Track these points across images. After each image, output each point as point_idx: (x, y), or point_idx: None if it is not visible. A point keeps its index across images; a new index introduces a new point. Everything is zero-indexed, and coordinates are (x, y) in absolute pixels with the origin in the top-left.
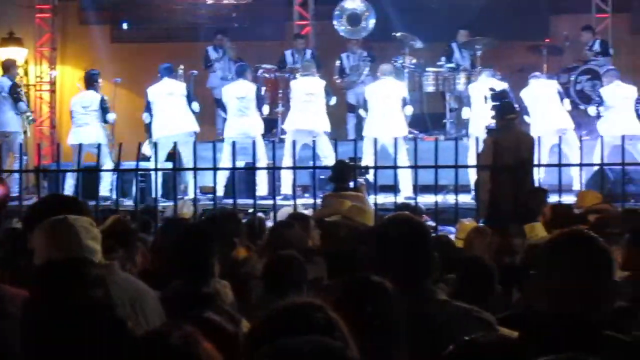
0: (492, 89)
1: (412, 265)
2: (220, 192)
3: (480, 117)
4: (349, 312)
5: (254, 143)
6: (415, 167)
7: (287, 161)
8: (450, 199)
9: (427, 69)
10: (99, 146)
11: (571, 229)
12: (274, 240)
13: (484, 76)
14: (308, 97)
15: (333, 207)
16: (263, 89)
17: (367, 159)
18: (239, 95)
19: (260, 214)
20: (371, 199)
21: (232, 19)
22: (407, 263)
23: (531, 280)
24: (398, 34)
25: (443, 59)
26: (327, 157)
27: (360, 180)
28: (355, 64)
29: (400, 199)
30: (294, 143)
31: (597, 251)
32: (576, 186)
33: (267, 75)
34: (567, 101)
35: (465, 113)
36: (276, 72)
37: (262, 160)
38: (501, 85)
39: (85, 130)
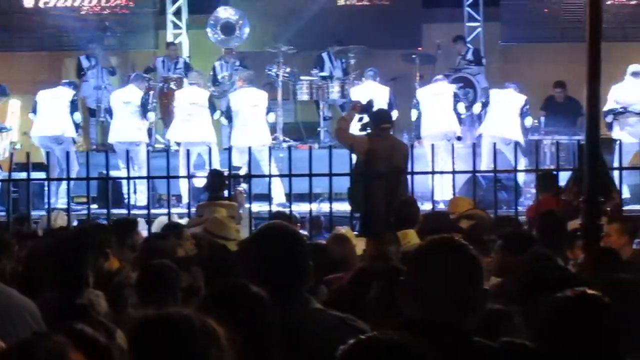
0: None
1: (286, 274)
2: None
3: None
4: (222, 320)
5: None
6: (289, 175)
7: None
8: (325, 207)
9: (301, 78)
10: None
11: (441, 236)
12: (147, 250)
13: (369, 81)
14: (192, 107)
15: (203, 218)
16: (151, 94)
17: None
18: (125, 100)
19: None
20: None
21: (105, 28)
22: (281, 271)
23: (402, 287)
24: (272, 44)
25: (317, 68)
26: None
27: (240, 188)
28: (228, 73)
29: (274, 207)
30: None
31: (466, 258)
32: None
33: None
34: (461, 105)
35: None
36: (149, 80)
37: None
38: (383, 90)
39: None
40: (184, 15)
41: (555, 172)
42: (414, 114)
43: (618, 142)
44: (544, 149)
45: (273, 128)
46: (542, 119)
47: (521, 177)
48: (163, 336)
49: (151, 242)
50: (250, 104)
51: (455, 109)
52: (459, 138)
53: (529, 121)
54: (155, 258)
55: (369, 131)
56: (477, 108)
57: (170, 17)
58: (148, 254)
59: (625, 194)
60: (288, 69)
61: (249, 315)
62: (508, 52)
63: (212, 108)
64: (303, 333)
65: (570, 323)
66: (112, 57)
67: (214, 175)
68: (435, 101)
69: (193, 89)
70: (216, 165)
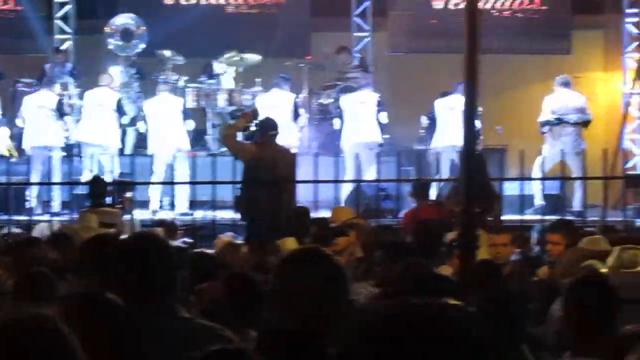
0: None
1: (151, 282)
2: None
3: None
4: (78, 326)
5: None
6: (171, 183)
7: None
8: (210, 214)
9: (189, 85)
10: None
11: (306, 246)
12: (22, 256)
13: (275, 90)
14: (99, 108)
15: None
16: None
17: (158, 175)
18: (39, 105)
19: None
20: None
21: None
22: (145, 280)
23: (270, 296)
24: (161, 51)
25: (204, 75)
26: (114, 171)
27: (128, 195)
28: (125, 80)
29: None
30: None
31: (328, 267)
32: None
33: (26, 90)
34: (383, 115)
35: None
36: (36, 86)
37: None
38: (289, 97)
39: None
40: (72, 19)
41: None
42: (336, 123)
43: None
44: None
45: None
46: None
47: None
48: (12, 339)
49: (25, 247)
50: (167, 109)
51: (377, 118)
52: (380, 145)
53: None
54: (30, 264)
55: (254, 139)
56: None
57: (57, 22)
58: (23, 259)
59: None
60: (175, 77)
61: (103, 323)
62: (395, 61)
63: (121, 112)
64: (169, 341)
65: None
66: None
67: (95, 182)
68: (359, 110)
69: (101, 89)
70: (116, 170)
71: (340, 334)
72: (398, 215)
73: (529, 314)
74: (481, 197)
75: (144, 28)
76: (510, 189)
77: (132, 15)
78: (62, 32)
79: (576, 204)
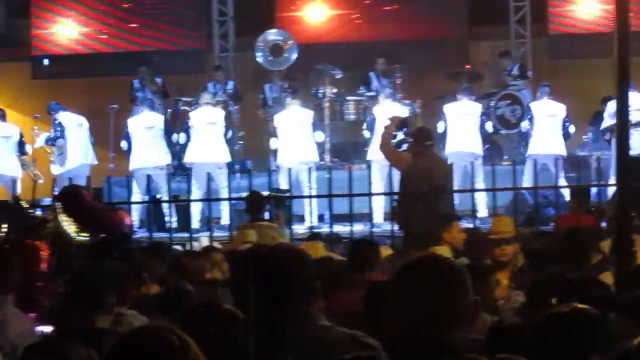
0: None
1: (289, 291)
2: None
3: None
4: (197, 338)
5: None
6: (329, 196)
7: (196, 193)
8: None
9: (348, 98)
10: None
11: (425, 253)
12: (171, 271)
13: (388, 101)
14: (209, 126)
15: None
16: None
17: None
18: (147, 125)
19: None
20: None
21: (153, 52)
22: (285, 289)
23: (391, 305)
24: (318, 65)
25: (362, 87)
26: (224, 188)
27: (278, 211)
28: (277, 95)
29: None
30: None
31: (446, 271)
32: (482, 212)
33: (187, 108)
34: (489, 124)
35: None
36: (196, 104)
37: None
38: (403, 111)
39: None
40: (231, 37)
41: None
42: (440, 126)
43: None
44: (593, 164)
45: (320, 148)
46: (590, 134)
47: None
48: (138, 352)
49: (179, 260)
50: (296, 122)
51: (481, 129)
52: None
53: (572, 129)
54: (179, 279)
55: (403, 147)
56: (525, 125)
57: (217, 40)
58: (172, 273)
59: None
60: (334, 90)
61: (220, 333)
62: (556, 68)
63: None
64: (310, 350)
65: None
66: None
67: (254, 196)
68: (462, 120)
69: (208, 108)
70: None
71: (461, 338)
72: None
73: None
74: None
75: (292, 42)
76: None
77: (280, 30)
78: (222, 49)
79: None
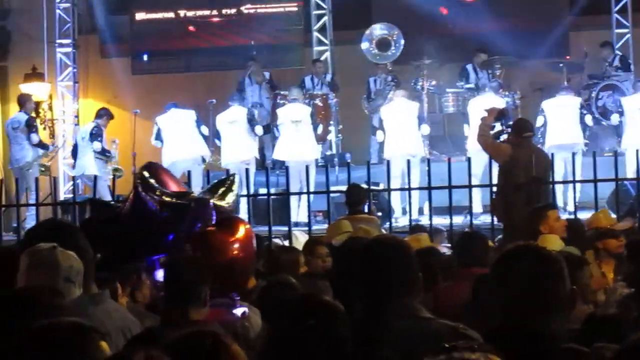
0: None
1: (390, 284)
2: None
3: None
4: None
5: (246, 171)
6: (428, 188)
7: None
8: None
9: (447, 90)
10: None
11: (521, 242)
12: (270, 264)
13: (489, 93)
14: (295, 124)
15: (335, 231)
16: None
17: (393, 182)
18: (229, 120)
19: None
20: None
21: (251, 47)
22: (385, 281)
23: (488, 294)
24: (416, 58)
25: (462, 80)
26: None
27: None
28: (381, 88)
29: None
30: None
31: (543, 261)
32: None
33: (285, 102)
34: (589, 117)
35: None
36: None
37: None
38: (501, 103)
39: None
40: (329, 31)
41: None
42: (539, 120)
43: None
44: None
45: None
46: None
47: None
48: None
49: (275, 254)
50: (402, 114)
51: (582, 121)
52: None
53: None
54: (276, 272)
55: (502, 139)
56: (614, 119)
57: (315, 34)
58: (270, 267)
59: None
60: (433, 82)
61: (321, 325)
62: None
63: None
64: (411, 341)
65: None
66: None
67: (354, 189)
68: (561, 113)
69: (295, 105)
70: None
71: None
72: None
73: None
74: None
75: (397, 33)
76: None
77: (386, 24)
78: (320, 43)
79: None
